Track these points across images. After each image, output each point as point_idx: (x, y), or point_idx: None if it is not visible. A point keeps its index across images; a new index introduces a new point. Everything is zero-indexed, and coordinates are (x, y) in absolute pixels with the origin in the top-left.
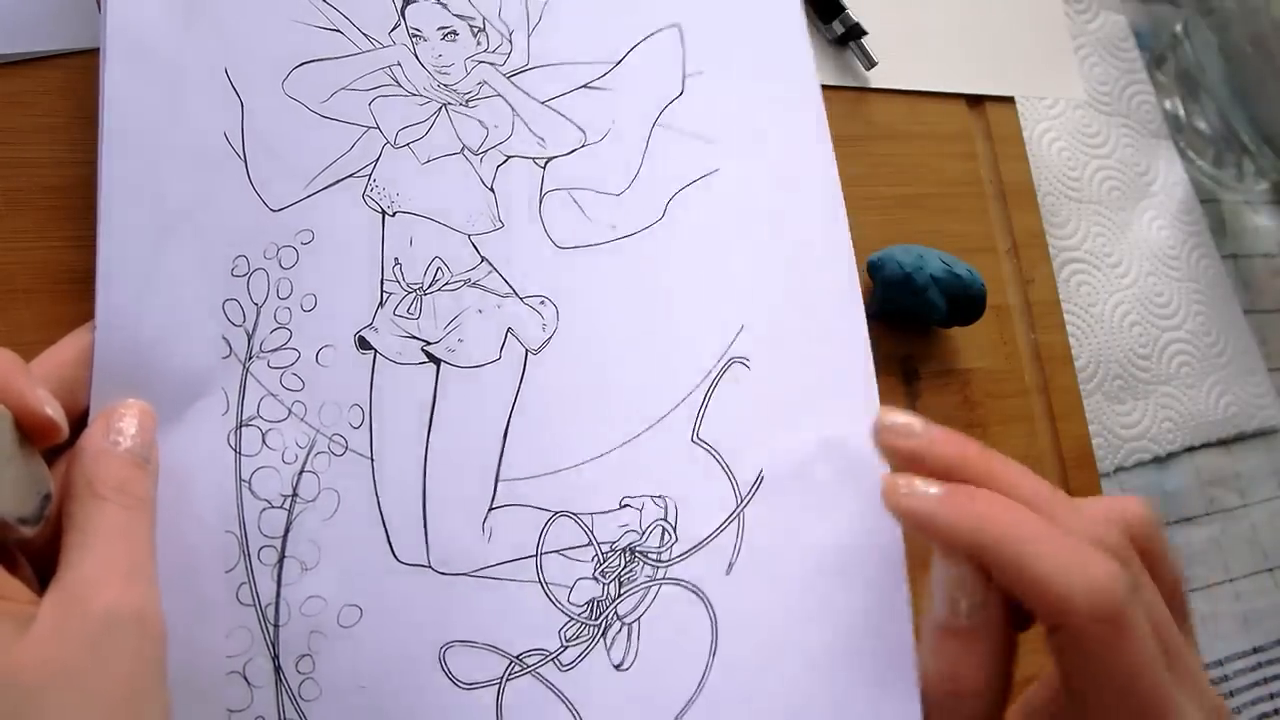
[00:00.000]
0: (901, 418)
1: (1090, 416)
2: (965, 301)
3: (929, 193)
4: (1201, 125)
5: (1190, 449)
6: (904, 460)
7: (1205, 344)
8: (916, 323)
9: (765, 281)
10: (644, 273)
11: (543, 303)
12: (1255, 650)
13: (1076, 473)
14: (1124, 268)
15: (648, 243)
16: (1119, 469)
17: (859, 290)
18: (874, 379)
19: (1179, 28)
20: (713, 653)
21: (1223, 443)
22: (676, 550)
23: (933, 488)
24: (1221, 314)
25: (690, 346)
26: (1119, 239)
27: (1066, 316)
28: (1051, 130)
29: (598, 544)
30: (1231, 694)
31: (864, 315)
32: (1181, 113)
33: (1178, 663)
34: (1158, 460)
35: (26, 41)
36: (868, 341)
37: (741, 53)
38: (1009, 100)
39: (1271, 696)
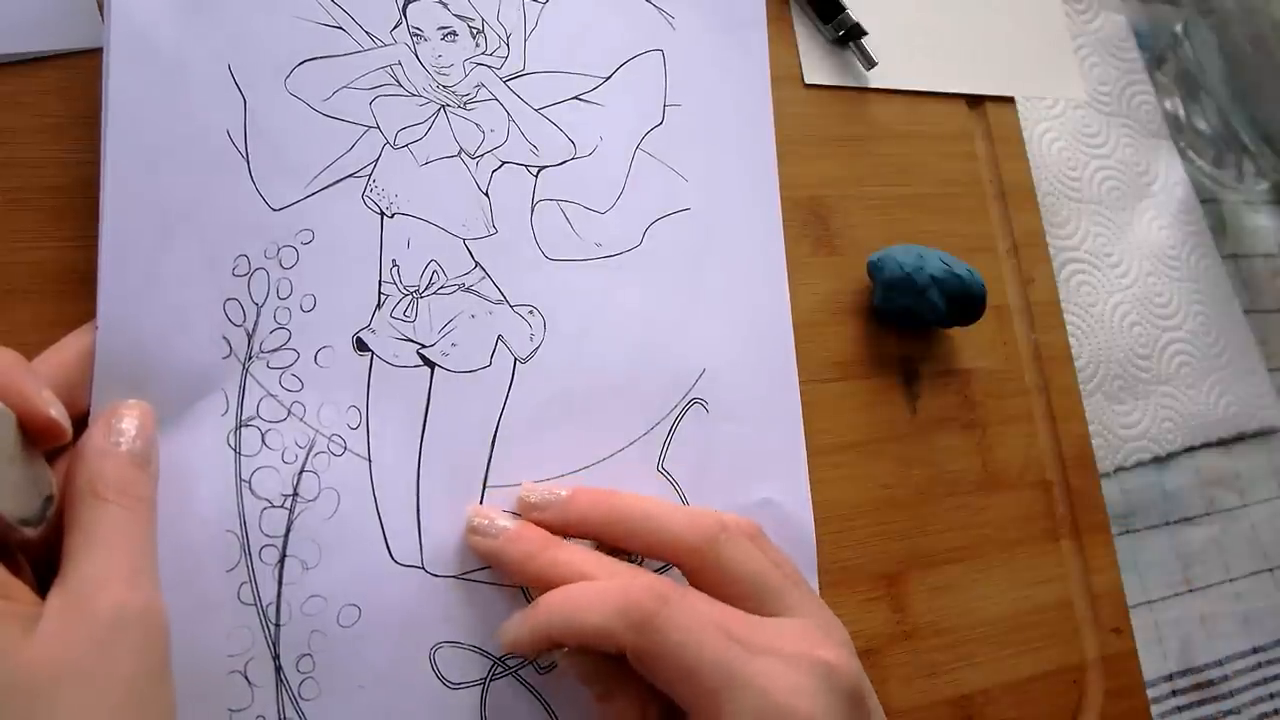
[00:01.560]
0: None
1: (1090, 416)
2: (965, 301)
3: (929, 193)
4: (1201, 125)
5: (1190, 449)
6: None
7: (1205, 344)
8: (916, 323)
9: (721, 333)
10: (624, 296)
11: (531, 312)
12: (1255, 650)
13: (1076, 473)
14: (1124, 268)
15: (627, 266)
16: (1119, 469)
17: (795, 362)
18: (804, 448)
19: (1179, 28)
20: None
21: (1223, 443)
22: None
23: (510, 622)
24: (1221, 314)
25: (659, 377)
26: (1119, 239)
27: (1066, 316)
28: (1051, 130)
29: None
30: (1231, 694)
31: (798, 388)
32: (1181, 113)
33: (751, 636)
34: (1158, 460)
35: (26, 41)
36: (800, 414)
37: (713, 99)
38: (1009, 100)
39: (1271, 696)
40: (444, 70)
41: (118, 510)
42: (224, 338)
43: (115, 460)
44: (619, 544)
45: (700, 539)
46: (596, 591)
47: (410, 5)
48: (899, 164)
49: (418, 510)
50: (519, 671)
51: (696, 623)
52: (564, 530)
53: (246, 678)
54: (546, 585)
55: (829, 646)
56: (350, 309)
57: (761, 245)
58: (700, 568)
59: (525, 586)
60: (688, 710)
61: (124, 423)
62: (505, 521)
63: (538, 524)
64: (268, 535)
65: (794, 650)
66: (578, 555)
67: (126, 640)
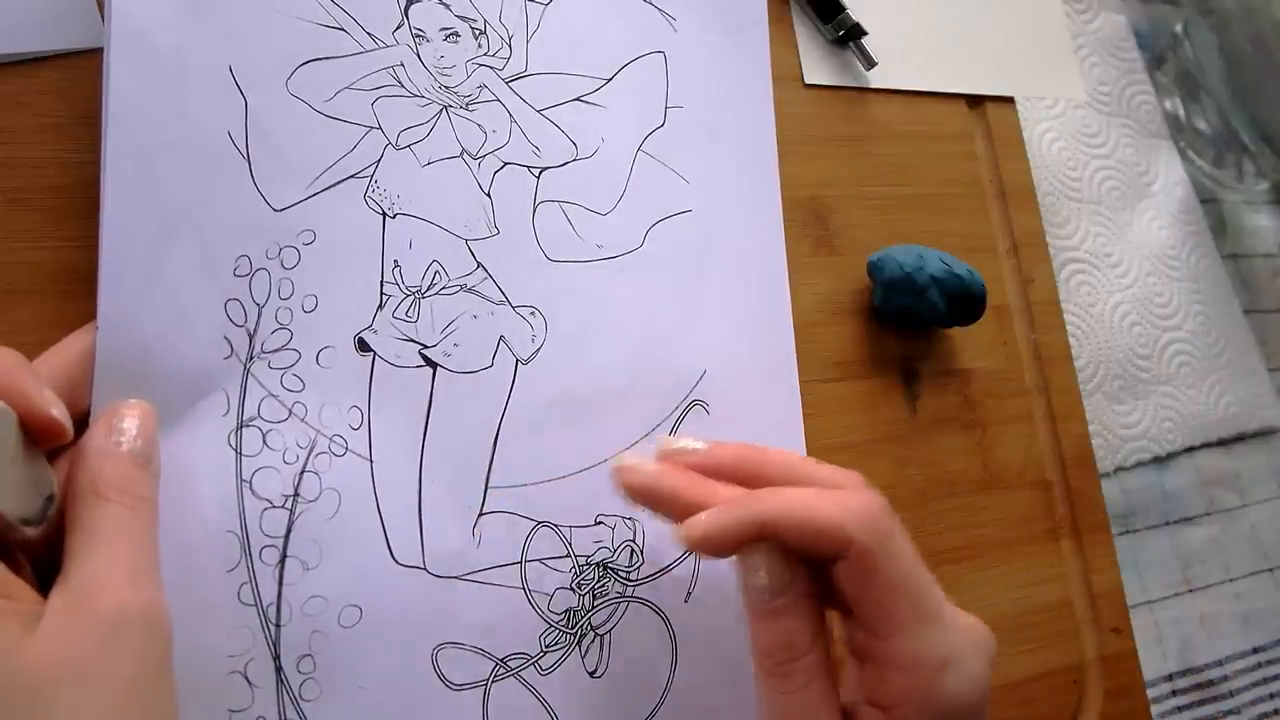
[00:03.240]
0: (677, 443)
1: (1090, 416)
2: (965, 301)
3: (929, 193)
4: (1201, 125)
5: (1190, 449)
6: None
7: (1205, 344)
8: (916, 323)
9: (722, 335)
10: (624, 297)
11: (533, 313)
12: (1255, 650)
13: (1076, 473)
14: (1124, 268)
15: (628, 268)
16: (1119, 469)
17: (795, 363)
18: (805, 450)
19: (1179, 28)
20: (673, 669)
21: (1223, 443)
22: (643, 571)
23: (703, 514)
24: (1221, 314)
25: (660, 379)
26: (1119, 239)
27: (1066, 316)
28: (1051, 130)
29: (575, 556)
30: (1231, 694)
31: (798, 389)
32: (1181, 113)
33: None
34: (1158, 460)
35: (26, 41)
36: (801, 416)
37: (714, 101)
38: (1009, 100)
39: (1271, 696)
40: (446, 71)
41: (119, 509)
42: (225, 338)
43: (116, 460)
44: (776, 539)
45: (871, 522)
46: (825, 497)
47: (412, 6)
48: (899, 164)
49: (419, 511)
50: (521, 673)
51: (914, 549)
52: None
53: (247, 678)
54: (760, 508)
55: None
56: (352, 309)
57: (762, 248)
58: (861, 569)
59: (676, 519)
60: (881, 629)
61: (125, 422)
62: (651, 465)
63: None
64: (268, 536)
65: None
66: (780, 455)
67: (128, 639)
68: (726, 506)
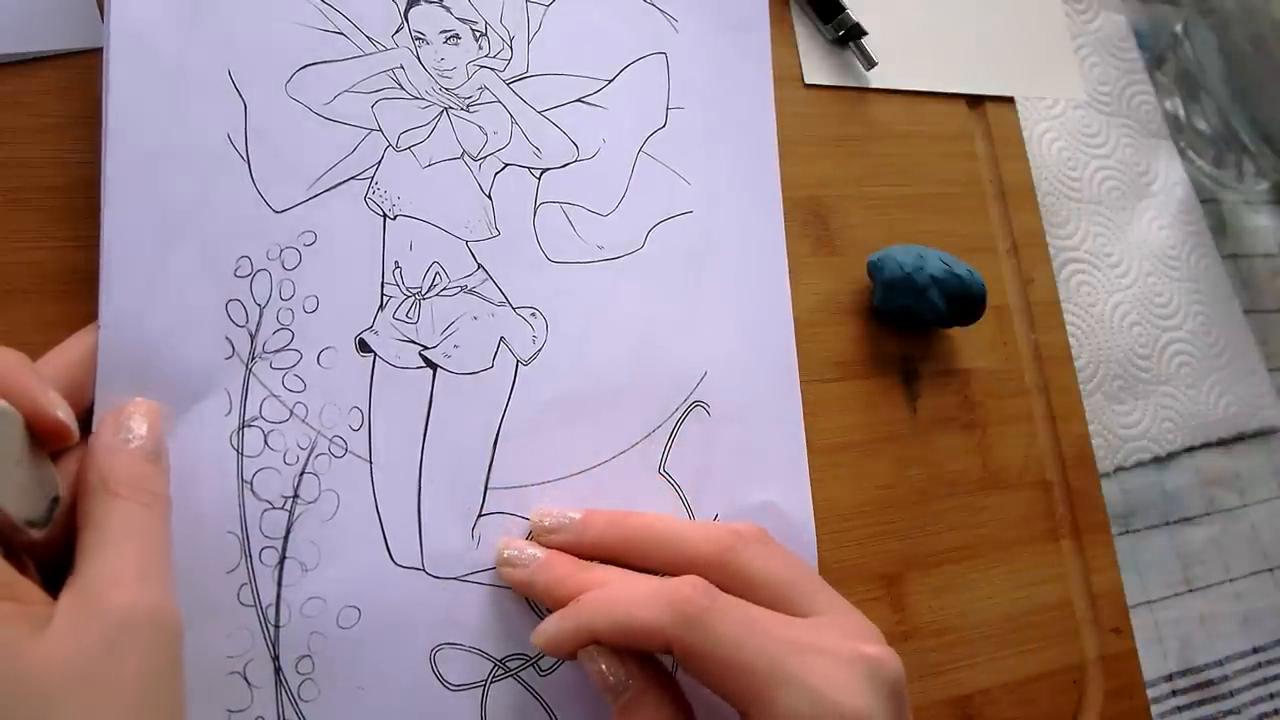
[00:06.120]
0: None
1: (1090, 416)
2: (965, 301)
3: (929, 193)
4: (1201, 125)
5: (1190, 449)
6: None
7: (1205, 344)
8: (916, 323)
9: (723, 336)
10: (625, 298)
11: (533, 314)
12: (1255, 650)
13: (1076, 473)
14: (1124, 268)
15: (629, 269)
16: (1119, 469)
17: (795, 363)
18: (805, 451)
19: (1179, 28)
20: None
21: (1223, 443)
22: None
23: (546, 621)
24: (1221, 314)
25: (661, 379)
26: (1119, 239)
27: (1066, 316)
28: (1051, 130)
29: None
30: (1232, 694)
31: (798, 389)
32: (1181, 113)
33: (796, 635)
34: (1158, 460)
35: (26, 41)
36: (801, 417)
37: (715, 101)
38: (1009, 100)
39: (1271, 696)
40: (446, 73)
41: (131, 506)
42: (227, 338)
43: (127, 456)
44: (637, 564)
45: (719, 550)
46: (644, 589)
47: (412, 9)
48: (899, 164)
49: (419, 512)
50: (520, 674)
51: (745, 620)
52: (583, 552)
53: (246, 679)
54: (577, 616)
55: (869, 642)
56: (353, 310)
57: (763, 249)
58: (723, 579)
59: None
60: (738, 708)
61: (133, 420)
62: (535, 550)
63: (556, 547)
64: (268, 537)
65: (838, 647)
66: (608, 574)
67: (136, 640)
68: (561, 614)
